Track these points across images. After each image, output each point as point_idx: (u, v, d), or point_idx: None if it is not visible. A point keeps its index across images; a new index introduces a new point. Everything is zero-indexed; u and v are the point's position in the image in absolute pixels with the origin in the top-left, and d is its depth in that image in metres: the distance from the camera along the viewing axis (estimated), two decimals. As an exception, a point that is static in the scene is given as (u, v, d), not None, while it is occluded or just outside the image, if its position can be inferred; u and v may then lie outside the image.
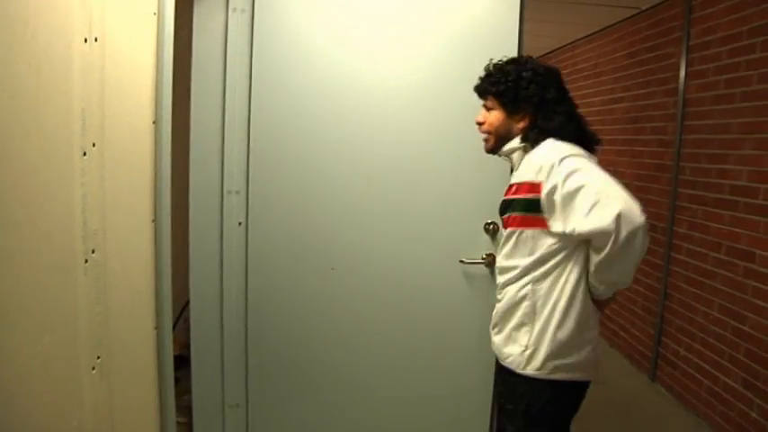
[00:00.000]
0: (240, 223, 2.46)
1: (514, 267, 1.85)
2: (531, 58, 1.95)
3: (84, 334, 1.38)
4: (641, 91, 4.38)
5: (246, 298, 2.48)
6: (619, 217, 1.62)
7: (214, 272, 2.48)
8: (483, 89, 1.94)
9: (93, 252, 1.41)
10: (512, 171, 1.97)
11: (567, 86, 1.94)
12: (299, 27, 2.37)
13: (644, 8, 4.30)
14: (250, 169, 2.41)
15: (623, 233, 1.63)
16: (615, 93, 4.79)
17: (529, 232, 1.82)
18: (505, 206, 1.89)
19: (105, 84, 1.43)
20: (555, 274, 1.80)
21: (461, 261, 2.46)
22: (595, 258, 1.73)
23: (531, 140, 1.84)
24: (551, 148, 1.78)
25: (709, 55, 3.57)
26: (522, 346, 1.84)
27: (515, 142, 1.89)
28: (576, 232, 1.69)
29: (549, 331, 1.80)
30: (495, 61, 1.94)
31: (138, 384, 1.77)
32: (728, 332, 3.31)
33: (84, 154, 1.35)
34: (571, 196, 1.68)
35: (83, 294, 1.37)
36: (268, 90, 2.38)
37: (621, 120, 4.64)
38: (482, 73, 1.95)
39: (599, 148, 1.92)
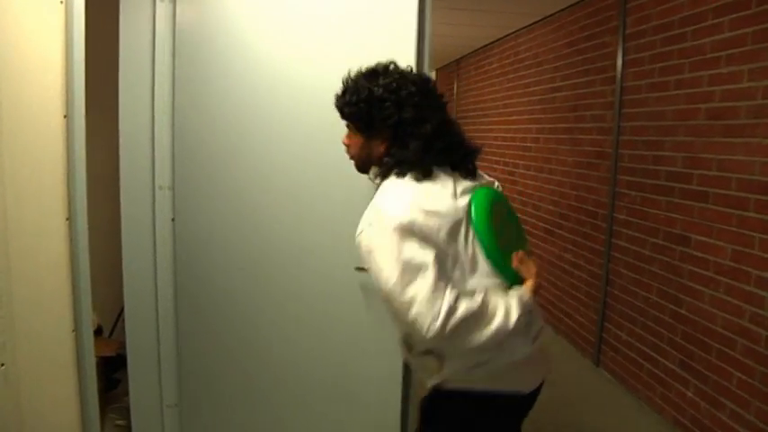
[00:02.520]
0: (173, 219, 2.40)
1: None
2: (389, 67, 1.64)
3: (-15, 340, 1.32)
4: (581, 79, 4.43)
5: (176, 295, 2.43)
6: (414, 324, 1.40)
7: (148, 269, 2.42)
8: (338, 109, 1.67)
9: (-7, 254, 1.35)
10: None
11: (437, 94, 1.66)
12: (222, 19, 2.30)
13: (583, -3, 4.35)
14: (176, 165, 2.35)
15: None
16: (556, 81, 4.83)
17: None
18: None
19: (1, 77, 1.36)
20: None
21: (358, 268, 2.35)
22: None
23: (383, 172, 1.60)
24: (381, 209, 1.51)
25: (645, 43, 3.62)
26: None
27: (376, 170, 1.65)
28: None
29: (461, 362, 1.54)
30: (354, 72, 1.66)
31: (55, 390, 1.71)
32: (666, 315, 3.39)
33: (-21, 151, 1.28)
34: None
35: (-19, 298, 1.30)
36: (189, 85, 2.31)
37: (562, 108, 4.69)
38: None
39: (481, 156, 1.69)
